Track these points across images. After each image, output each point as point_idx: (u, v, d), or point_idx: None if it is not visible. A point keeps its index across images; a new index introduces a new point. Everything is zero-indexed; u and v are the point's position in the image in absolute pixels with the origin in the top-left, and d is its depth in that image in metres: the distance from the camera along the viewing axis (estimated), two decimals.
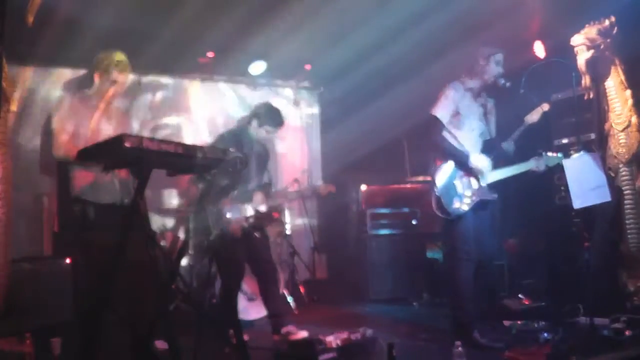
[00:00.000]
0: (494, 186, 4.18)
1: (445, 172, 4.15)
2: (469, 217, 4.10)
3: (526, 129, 4.24)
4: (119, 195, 3.76)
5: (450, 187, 4.11)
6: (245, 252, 4.43)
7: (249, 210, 4.38)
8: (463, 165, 4.11)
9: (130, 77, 4.31)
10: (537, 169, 4.12)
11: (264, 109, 4.57)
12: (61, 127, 3.69)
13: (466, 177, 4.13)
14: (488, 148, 4.24)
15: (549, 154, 4.19)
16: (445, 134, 4.16)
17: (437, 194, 4.11)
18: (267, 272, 4.52)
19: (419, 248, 6.25)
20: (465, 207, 4.07)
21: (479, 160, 4.09)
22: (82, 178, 3.69)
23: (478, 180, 4.13)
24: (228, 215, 4.28)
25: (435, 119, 4.13)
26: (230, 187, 4.26)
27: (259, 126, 4.48)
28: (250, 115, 4.59)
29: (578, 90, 4.14)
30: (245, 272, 4.53)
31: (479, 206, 4.12)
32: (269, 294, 4.50)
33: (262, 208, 4.43)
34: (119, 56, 3.84)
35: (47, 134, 3.85)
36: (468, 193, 4.10)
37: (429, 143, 4.25)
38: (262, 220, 4.48)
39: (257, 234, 4.39)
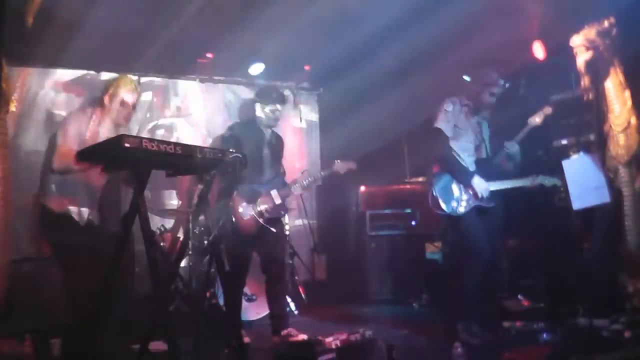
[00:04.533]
0: (492, 194, 4.26)
1: (443, 177, 4.30)
2: (467, 219, 4.21)
3: (529, 131, 4.30)
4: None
5: (448, 189, 4.26)
6: (258, 249, 4.43)
7: (265, 203, 4.38)
8: (463, 180, 4.24)
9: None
10: (531, 186, 4.26)
11: (262, 90, 4.69)
12: (67, 144, 3.71)
13: (464, 187, 4.26)
14: (483, 163, 4.33)
15: (546, 177, 4.29)
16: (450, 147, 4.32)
17: (434, 193, 4.26)
18: (277, 271, 4.50)
19: (419, 249, 6.25)
20: (462, 210, 4.20)
21: (480, 184, 4.20)
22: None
23: (475, 193, 4.23)
24: (241, 210, 4.29)
25: (440, 131, 4.28)
26: (237, 182, 4.26)
27: (263, 108, 4.49)
28: (252, 101, 4.63)
29: (577, 91, 4.15)
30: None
31: (476, 212, 4.24)
32: (274, 294, 4.49)
33: (278, 200, 4.42)
34: (128, 79, 3.94)
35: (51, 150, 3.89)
36: (464, 197, 4.23)
37: (435, 155, 4.37)
38: (278, 212, 4.48)
39: (273, 229, 4.37)
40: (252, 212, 4.32)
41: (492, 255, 4.26)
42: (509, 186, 4.27)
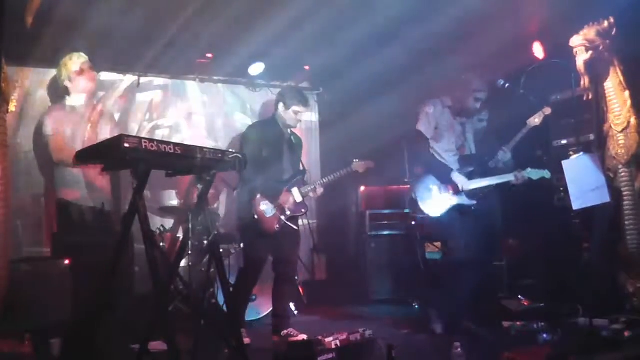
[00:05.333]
0: (475, 192, 4.30)
1: (425, 179, 4.38)
2: (448, 219, 4.29)
3: (528, 132, 4.31)
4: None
5: (428, 191, 4.34)
6: (272, 249, 4.43)
7: (286, 201, 4.40)
8: (444, 178, 4.31)
9: (130, 78, 4.63)
10: (517, 182, 4.28)
11: (286, 91, 4.73)
12: (55, 131, 4.18)
13: (444, 185, 4.32)
14: (467, 162, 4.35)
15: (533, 170, 4.31)
16: (430, 148, 4.40)
17: (413, 196, 4.36)
18: (289, 271, 4.54)
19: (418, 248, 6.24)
20: (441, 210, 4.28)
21: (459, 179, 4.28)
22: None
23: (455, 189, 4.28)
24: (264, 208, 4.29)
25: (421, 134, 4.39)
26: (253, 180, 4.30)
27: (286, 109, 4.51)
28: (275, 101, 4.66)
29: (577, 92, 4.15)
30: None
31: (458, 210, 4.29)
32: (281, 294, 4.50)
33: (299, 198, 4.45)
34: (68, 55, 4.41)
35: (42, 138, 4.36)
36: (444, 197, 4.30)
37: (416, 156, 4.43)
38: (299, 209, 4.51)
39: (295, 227, 4.45)
40: (275, 210, 4.33)
41: (485, 254, 4.27)
42: (492, 183, 4.28)
